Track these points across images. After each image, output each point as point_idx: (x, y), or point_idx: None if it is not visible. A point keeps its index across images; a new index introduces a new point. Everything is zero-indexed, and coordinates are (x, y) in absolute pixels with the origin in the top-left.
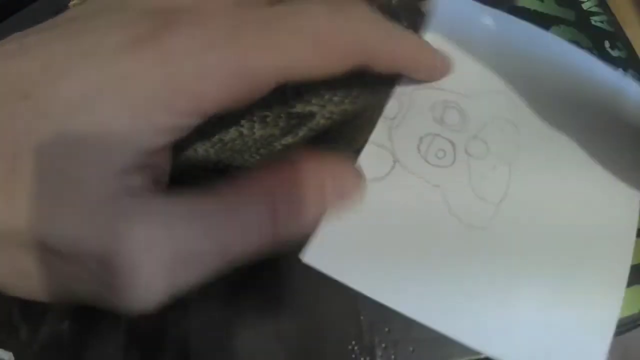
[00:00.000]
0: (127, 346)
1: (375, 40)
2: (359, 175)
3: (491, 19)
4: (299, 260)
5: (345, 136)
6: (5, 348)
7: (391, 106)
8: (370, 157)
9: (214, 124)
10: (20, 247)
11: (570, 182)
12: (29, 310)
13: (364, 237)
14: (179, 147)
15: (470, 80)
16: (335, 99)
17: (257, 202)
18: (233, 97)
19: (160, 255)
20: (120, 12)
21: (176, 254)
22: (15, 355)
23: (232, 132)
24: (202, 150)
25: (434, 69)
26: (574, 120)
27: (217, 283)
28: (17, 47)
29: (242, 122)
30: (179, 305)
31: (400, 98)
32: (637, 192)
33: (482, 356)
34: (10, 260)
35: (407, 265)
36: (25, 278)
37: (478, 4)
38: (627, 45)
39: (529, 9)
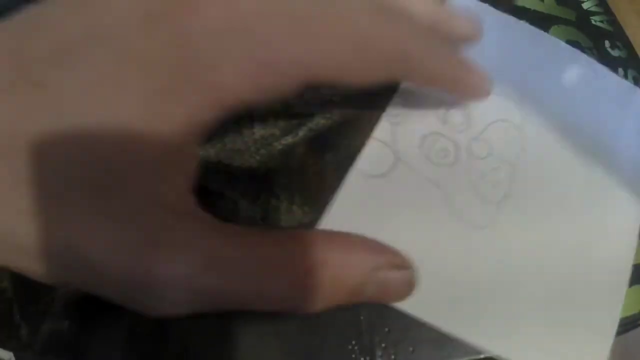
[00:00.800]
0: (127, 346)
1: (417, 52)
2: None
3: (496, 19)
4: None
5: (345, 136)
6: (5, 348)
7: (395, 104)
8: (372, 153)
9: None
10: (47, 256)
11: (573, 182)
12: (29, 310)
13: (364, 234)
14: None
15: None
16: (336, 98)
17: (293, 271)
18: (256, 89)
19: (186, 287)
20: None
21: (202, 289)
22: (15, 355)
23: (232, 132)
24: (202, 150)
25: (476, 89)
26: (577, 121)
27: None
28: (27, 23)
29: (242, 122)
30: None
31: (404, 96)
32: None
33: (481, 356)
34: (37, 268)
35: None
36: (51, 278)
37: (485, 5)
38: (627, 45)
39: (528, 9)
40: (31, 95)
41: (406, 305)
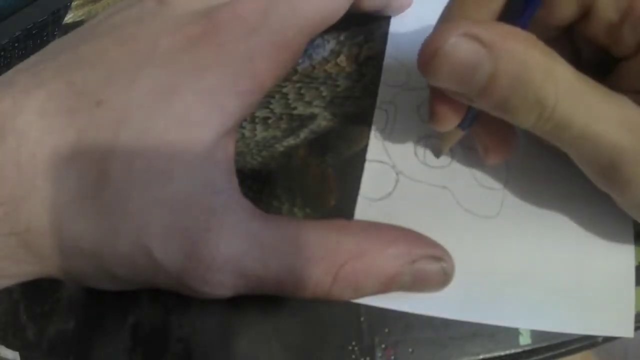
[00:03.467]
0: (132, 346)
1: None
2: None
3: None
4: None
5: (346, 138)
6: (12, 348)
7: (378, 116)
8: (372, 176)
9: None
10: (113, 257)
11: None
12: (35, 310)
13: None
14: None
15: None
16: (337, 100)
17: (332, 262)
18: (283, 67)
19: (233, 270)
20: (165, 16)
21: (247, 272)
22: (21, 354)
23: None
24: None
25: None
26: None
27: None
28: (73, 57)
29: (244, 123)
30: (182, 306)
31: (384, 107)
32: None
33: (481, 357)
34: (101, 269)
35: None
36: (108, 280)
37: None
38: None
39: None
40: (95, 113)
41: (432, 309)
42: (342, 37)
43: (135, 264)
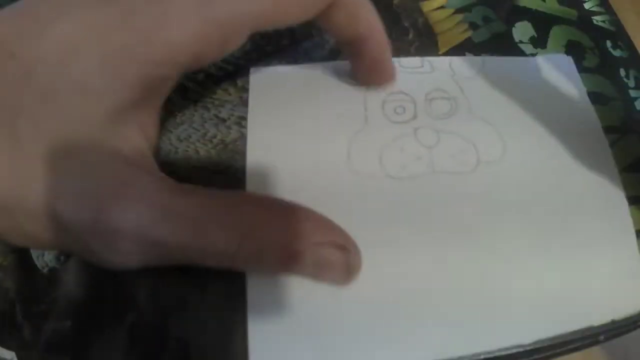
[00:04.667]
0: (129, 346)
1: None
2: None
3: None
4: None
5: None
6: (8, 348)
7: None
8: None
9: (216, 123)
10: (23, 212)
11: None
12: (31, 309)
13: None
14: (181, 149)
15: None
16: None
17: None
18: (205, 44)
19: (139, 238)
20: None
21: (153, 240)
22: (17, 354)
23: (234, 133)
24: (203, 151)
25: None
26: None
27: (217, 283)
28: (8, 11)
29: (244, 122)
30: (180, 306)
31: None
32: None
33: (482, 357)
34: (13, 222)
35: None
36: (27, 238)
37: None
38: (629, 46)
39: (530, 9)
40: (7, 67)
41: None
42: None
43: (43, 223)
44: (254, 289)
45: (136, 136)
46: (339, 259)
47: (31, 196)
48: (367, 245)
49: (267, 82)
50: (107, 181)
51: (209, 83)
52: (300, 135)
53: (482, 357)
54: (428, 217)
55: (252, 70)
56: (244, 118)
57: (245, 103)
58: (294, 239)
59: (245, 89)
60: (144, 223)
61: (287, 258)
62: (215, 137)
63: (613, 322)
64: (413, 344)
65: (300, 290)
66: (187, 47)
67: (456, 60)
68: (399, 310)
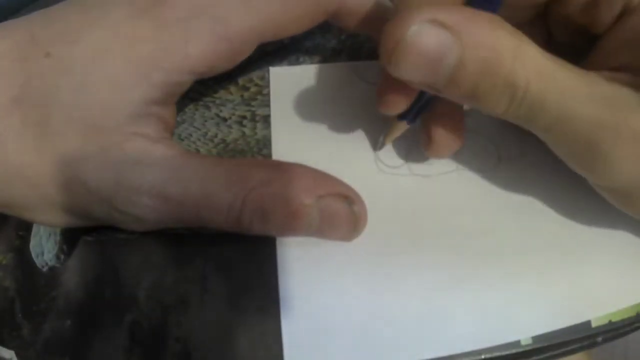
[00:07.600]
0: (129, 345)
1: None
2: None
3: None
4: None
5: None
6: (7, 347)
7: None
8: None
9: (217, 123)
10: (47, 185)
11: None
12: (31, 309)
13: None
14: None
15: None
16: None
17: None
18: (219, 57)
19: (155, 194)
20: None
21: (166, 196)
22: (17, 353)
23: (235, 132)
24: (204, 150)
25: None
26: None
27: (217, 283)
28: (40, 17)
29: (244, 122)
30: (181, 305)
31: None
32: None
33: (482, 357)
34: (40, 195)
35: None
36: (50, 211)
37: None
38: None
39: None
40: (43, 63)
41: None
42: (343, 37)
43: (72, 192)
44: (286, 285)
45: (155, 124)
46: (344, 208)
47: (61, 172)
48: (392, 242)
49: (287, 81)
50: (128, 152)
51: (210, 82)
52: (325, 133)
53: (482, 356)
54: (450, 215)
55: (271, 69)
56: (245, 117)
57: (246, 102)
58: (298, 193)
59: (246, 88)
60: (161, 182)
61: (292, 213)
62: (216, 136)
63: (610, 323)
64: (433, 340)
65: (333, 284)
66: (204, 60)
67: None
68: (422, 306)
